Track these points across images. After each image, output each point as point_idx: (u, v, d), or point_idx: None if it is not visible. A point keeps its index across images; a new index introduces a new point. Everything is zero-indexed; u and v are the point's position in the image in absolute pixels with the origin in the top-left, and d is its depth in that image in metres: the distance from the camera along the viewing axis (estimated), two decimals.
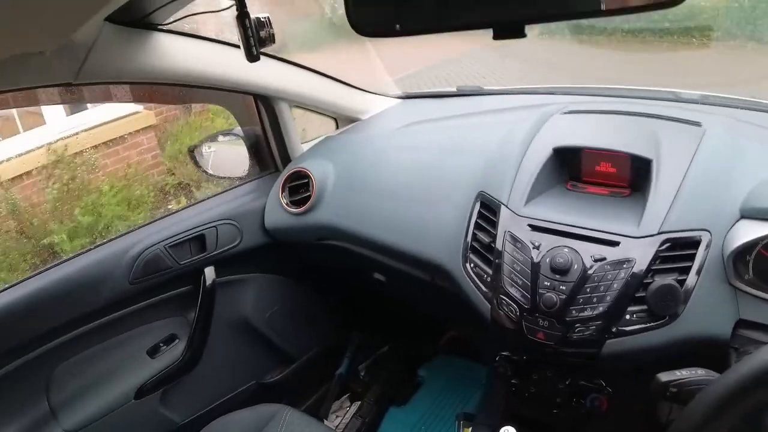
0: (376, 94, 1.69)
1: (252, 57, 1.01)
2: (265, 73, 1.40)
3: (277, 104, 1.51)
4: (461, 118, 1.46)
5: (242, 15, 0.98)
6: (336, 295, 1.81)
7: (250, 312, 1.60)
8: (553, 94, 1.53)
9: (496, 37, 0.68)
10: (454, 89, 1.68)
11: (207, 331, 1.47)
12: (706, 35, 4.83)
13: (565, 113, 1.26)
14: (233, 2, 0.97)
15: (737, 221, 0.95)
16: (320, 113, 1.61)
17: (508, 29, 0.67)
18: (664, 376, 0.78)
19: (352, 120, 1.65)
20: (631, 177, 1.10)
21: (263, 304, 1.64)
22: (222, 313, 1.50)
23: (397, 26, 0.71)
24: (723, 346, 0.92)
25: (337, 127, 1.67)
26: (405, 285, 1.36)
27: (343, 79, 1.60)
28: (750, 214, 0.95)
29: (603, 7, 0.64)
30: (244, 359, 1.64)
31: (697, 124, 1.15)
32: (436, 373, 1.91)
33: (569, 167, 1.16)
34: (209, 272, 1.44)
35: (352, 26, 0.74)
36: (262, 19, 1.01)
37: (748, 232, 0.92)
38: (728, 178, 1.00)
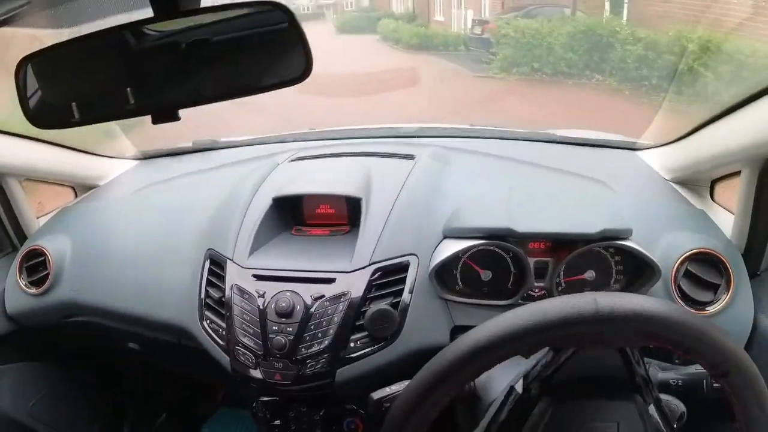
0: (112, 157, 1.64)
1: None
2: None
3: (4, 180, 1.40)
4: (195, 175, 1.48)
5: None
6: (101, 372, 1.71)
7: (9, 406, 1.44)
8: (284, 141, 1.61)
9: (154, 122, 0.74)
10: (190, 144, 1.69)
11: None
12: None
13: (293, 160, 1.35)
14: None
15: (441, 242, 1.10)
16: (55, 183, 1.53)
17: (164, 114, 0.73)
18: (377, 394, 0.85)
19: (89, 187, 1.58)
20: (349, 215, 1.21)
21: (23, 396, 1.48)
22: None
23: (75, 117, 0.75)
24: None
25: (76, 196, 1.59)
26: (157, 350, 1.33)
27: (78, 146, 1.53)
28: (450, 233, 1.10)
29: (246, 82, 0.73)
30: None
31: (410, 157, 1.31)
32: (218, 428, 1.88)
33: (293, 213, 1.24)
34: None
35: (29, 120, 0.74)
36: None
37: (448, 249, 1.06)
38: (432, 204, 1.16)
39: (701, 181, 1.27)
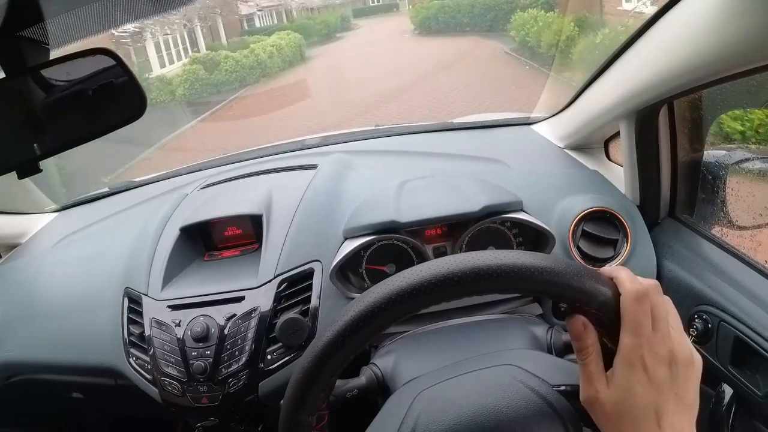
0: (29, 213, 1.65)
1: None
2: None
3: None
4: (110, 218, 1.49)
5: None
6: (52, 426, 1.70)
7: None
8: (198, 170, 1.62)
9: (20, 176, 0.76)
10: (106, 190, 1.70)
11: None
12: None
13: (202, 188, 1.37)
14: None
15: (342, 243, 1.12)
16: None
17: (28, 168, 0.75)
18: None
19: (12, 247, 1.58)
20: (256, 233, 1.24)
21: None
22: None
23: None
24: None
25: (0, 257, 1.59)
26: (98, 395, 1.34)
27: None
28: (349, 234, 1.13)
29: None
30: None
31: (313, 167, 1.33)
32: None
33: (203, 240, 1.26)
34: None
35: None
36: None
37: (346, 249, 1.09)
38: (332, 209, 1.18)
39: (594, 144, 1.32)
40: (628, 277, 0.55)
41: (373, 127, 1.68)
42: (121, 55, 0.73)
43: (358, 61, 15.22)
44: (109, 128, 0.76)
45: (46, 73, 0.73)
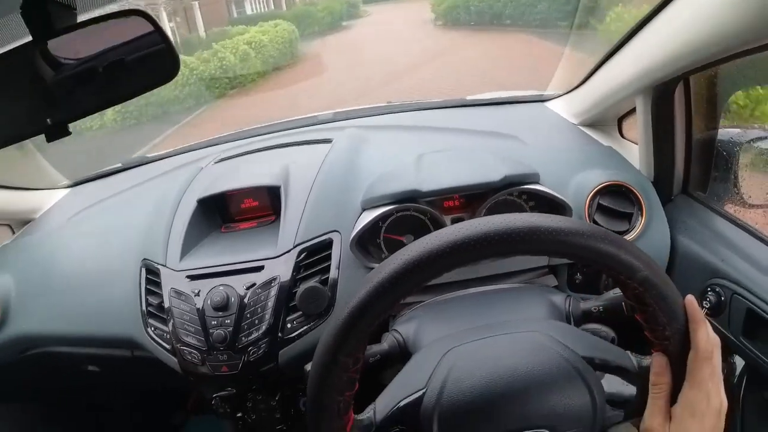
0: (42, 189, 1.65)
1: None
2: None
3: None
4: (125, 193, 1.50)
5: None
6: (72, 403, 1.73)
7: None
8: (211, 146, 1.63)
9: (49, 139, 0.77)
10: (119, 165, 1.70)
11: None
12: None
13: (216, 162, 1.38)
14: None
15: (360, 215, 1.14)
16: None
17: (57, 131, 0.76)
18: (308, 366, 0.90)
19: (25, 222, 1.59)
20: (273, 205, 1.25)
21: None
22: None
23: None
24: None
25: (13, 233, 1.59)
26: (115, 367, 1.36)
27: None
28: (367, 205, 1.14)
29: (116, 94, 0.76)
30: None
31: (327, 141, 1.34)
32: None
33: (220, 212, 1.28)
34: None
35: None
36: None
37: (365, 219, 1.10)
38: (349, 181, 1.20)
39: (608, 120, 1.33)
40: (704, 337, 0.62)
41: (385, 104, 1.69)
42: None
43: (367, 62, 11.45)
44: (140, 90, 0.76)
45: (76, 35, 0.73)
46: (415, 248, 0.58)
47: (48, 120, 0.77)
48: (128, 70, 0.76)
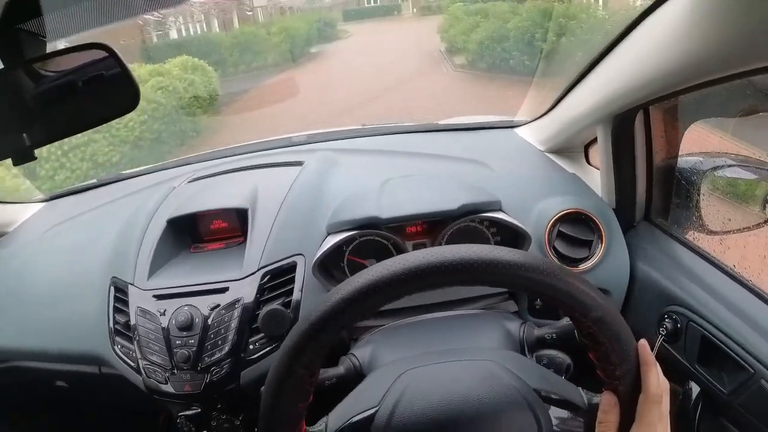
0: (17, 203, 1.66)
1: None
2: None
3: None
4: (97, 209, 1.51)
5: None
6: (37, 417, 1.71)
7: None
8: (185, 164, 1.64)
9: (15, 163, 0.78)
10: (94, 181, 1.71)
11: None
12: None
13: (190, 182, 1.40)
14: None
15: (325, 238, 1.15)
16: None
17: (23, 155, 0.78)
18: (263, 388, 0.90)
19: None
20: (241, 226, 1.26)
21: None
22: None
23: None
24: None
25: None
26: (83, 383, 1.36)
27: None
28: (331, 229, 1.16)
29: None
30: None
31: (299, 163, 1.36)
32: None
33: (190, 232, 1.29)
34: None
35: None
36: None
37: (328, 243, 1.12)
38: (316, 204, 1.21)
39: (574, 147, 1.36)
40: (655, 381, 0.63)
41: (359, 126, 1.71)
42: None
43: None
44: (102, 120, 0.78)
45: (43, 65, 0.76)
46: (379, 269, 0.60)
47: (13, 145, 0.79)
48: (91, 100, 0.79)
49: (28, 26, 0.71)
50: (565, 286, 0.59)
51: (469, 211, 1.10)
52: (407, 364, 0.76)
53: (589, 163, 1.36)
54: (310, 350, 0.62)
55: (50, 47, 0.76)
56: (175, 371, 1.08)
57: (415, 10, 17.42)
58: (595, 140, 1.31)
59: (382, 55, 12.01)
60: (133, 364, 1.13)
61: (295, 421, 0.67)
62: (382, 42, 13.99)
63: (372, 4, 20.40)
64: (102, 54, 0.76)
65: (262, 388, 0.73)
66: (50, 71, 0.77)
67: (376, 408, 0.70)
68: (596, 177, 1.28)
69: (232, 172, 1.42)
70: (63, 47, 0.77)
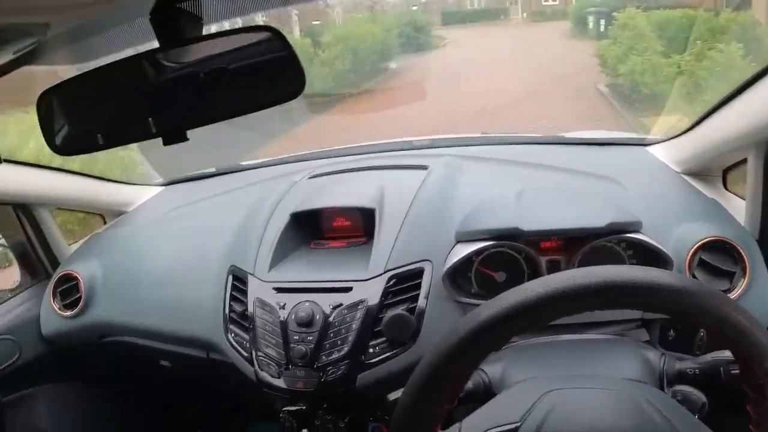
0: (138, 184, 1.72)
1: None
2: (15, 181, 1.38)
3: (36, 210, 1.49)
4: (218, 197, 1.54)
5: None
6: (135, 391, 1.77)
7: (47, 426, 1.51)
8: (304, 160, 1.66)
9: (165, 143, 0.79)
10: (213, 170, 1.76)
11: None
12: None
13: (310, 178, 1.40)
14: None
15: (454, 246, 1.12)
16: (85, 212, 1.61)
17: (175, 136, 0.78)
18: (393, 395, 0.87)
19: (118, 214, 1.66)
20: (365, 226, 1.25)
21: (59, 416, 1.56)
22: None
23: (98, 143, 0.80)
24: None
25: (105, 223, 1.66)
26: (187, 365, 1.39)
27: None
28: (462, 237, 1.13)
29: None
30: None
31: (423, 167, 1.34)
32: None
33: (311, 228, 1.29)
34: None
35: (53, 149, 0.80)
36: None
37: (460, 253, 1.09)
38: (444, 211, 1.19)
39: (712, 171, 1.27)
40: None
41: (479, 135, 1.68)
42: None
43: None
44: (264, 105, 0.77)
45: (205, 46, 0.75)
46: (570, 277, 0.58)
47: (165, 124, 0.79)
48: (252, 85, 0.77)
49: (187, 5, 0.71)
50: (744, 325, 0.56)
51: (614, 231, 1.04)
52: (552, 384, 0.74)
53: (727, 189, 1.28)
54: (470, 353, 0.61)
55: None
56: (290, 366, 1.08)
57: (525, 14, 14.07)
58: (736, 165, 1.23)
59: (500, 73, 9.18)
60: (246, 354, 1.14)
61: (435, 424, 0.66)
62: (496, 57, 10.91)
63: (473, 7, 16.98)
64: (266, 35, 0.73)
65: (390, 397, 0.72)
66: (207, 54, 0.77)
67: (518, 423, 0.68)
68: (735, 204, 1.20)
69: (354, 171, 1.41)
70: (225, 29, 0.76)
